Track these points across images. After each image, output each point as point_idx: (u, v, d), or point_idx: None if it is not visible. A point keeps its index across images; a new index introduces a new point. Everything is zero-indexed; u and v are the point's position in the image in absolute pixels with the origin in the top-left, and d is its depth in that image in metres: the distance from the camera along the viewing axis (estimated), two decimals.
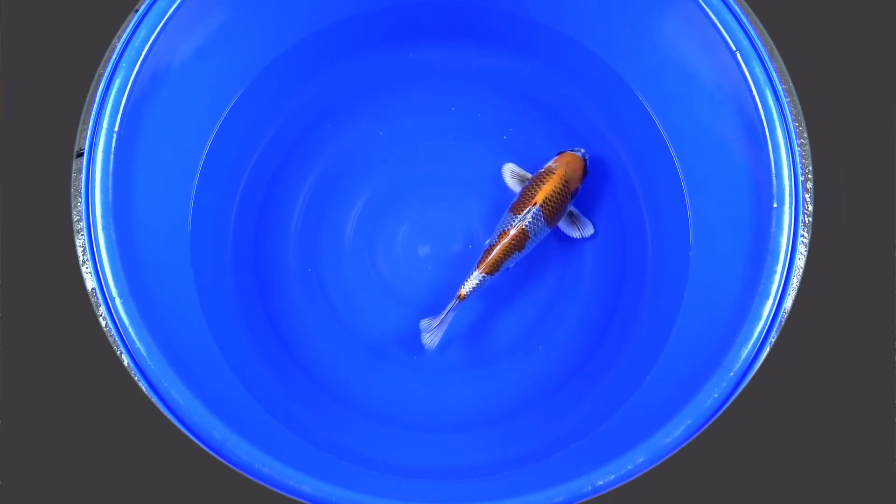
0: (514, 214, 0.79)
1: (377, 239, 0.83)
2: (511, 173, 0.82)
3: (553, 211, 0.79)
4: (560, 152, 0.81)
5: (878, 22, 0.84)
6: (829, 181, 0.79)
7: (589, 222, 0.82)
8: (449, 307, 0.78)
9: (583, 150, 0.81)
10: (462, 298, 0.78)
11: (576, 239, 0.82)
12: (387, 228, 0.83)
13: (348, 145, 0.84)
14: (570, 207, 0.81)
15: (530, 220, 0.78)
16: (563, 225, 0.81)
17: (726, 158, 0.75)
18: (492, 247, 0.78)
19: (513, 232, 0.78)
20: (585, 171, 0.81)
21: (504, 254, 0.78)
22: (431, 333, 0.78)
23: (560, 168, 0.79)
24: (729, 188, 0.75)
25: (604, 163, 0.83)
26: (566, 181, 0.79)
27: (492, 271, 0.78)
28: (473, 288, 0.78)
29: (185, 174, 0.80)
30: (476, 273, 0.78)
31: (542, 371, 0.81)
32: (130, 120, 0.72)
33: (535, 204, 0.78)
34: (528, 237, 0.78)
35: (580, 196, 0.81)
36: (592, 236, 0.82)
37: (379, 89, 0.85)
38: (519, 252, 0.78)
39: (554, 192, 0.79)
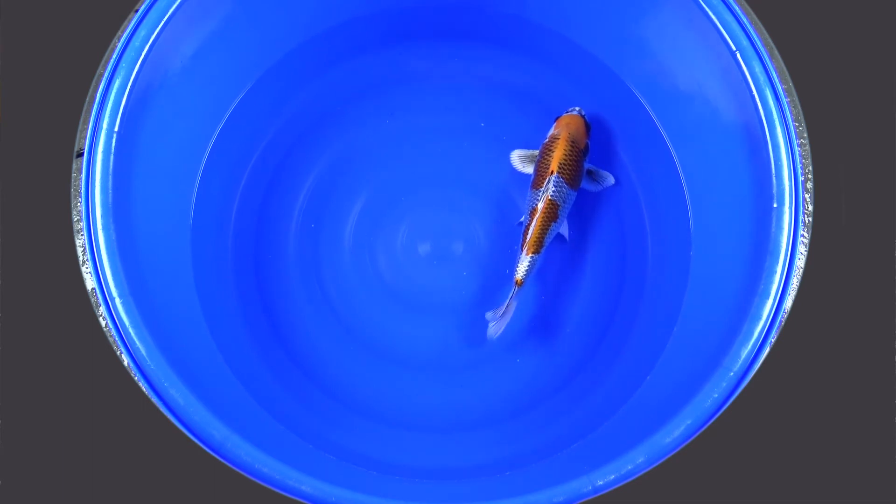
0: (537, 189, 0.79)
1: (377, 239, 0.83)
2: (520, 158, 0.82)
3: (571, 174, 0.79)
4: (557, 118, 0.82)
5: (878, 22, 0.84)
6: (829, 181, 0.79)
7: (607, 173, 0.82)
8: (510, 296, 0.78)
9: (578, 108, 0.82)
10: (520, 284, 0.78)
11: (576, 239, 0.82)
12: (387, 228, 0.83)
13: (348, 146, 0.84)
14: (587, 165, 0.81)
15: (553, 188, 0.78)
16: (585, 184, 0.82)
17: (726, 158, 0.75)
18: (527, 226, 0.79)
19: (541, 206, 0.78)
20: (588, 127, 0.81)
21: (542, 229, 0.78)
22: (496, 323, 0.78)
23: (563, 131, 0.80)
24: (729, 188, 0.75)
25: (604, 162, 0.83)
26: (573, 141, 0.79)
27: (537, 249, 0.78)
28: (526, 270, 0.78)
29: (185, 174, 0.80)
30: (524, 255, 0.78)
31: (542, 371, 0.81)
32: (130, 120, 0.72)
33: (552, 173, 0.79)
34: (559, 205, 0.79)
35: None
36: (595, 238, 0.82)
37: (379, 90, 0.85)
38: (555, 223, 0.79)
39: (565, 155, 0.79)
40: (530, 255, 0.78)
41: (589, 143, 0.81)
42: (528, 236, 0.78)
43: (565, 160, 0.79)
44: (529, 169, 0.82)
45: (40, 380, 0.79)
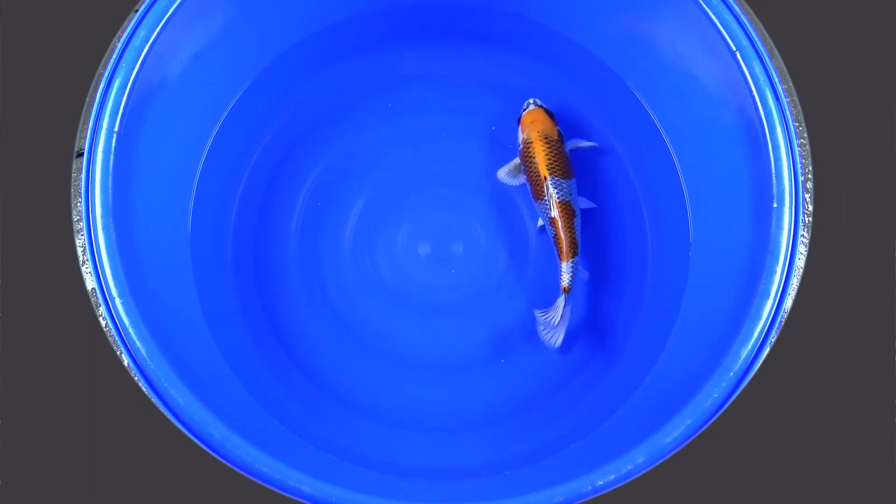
0: (541, 200, 0.79)
1: (377, 239, 0.83)
2: (506, 173, 0.82)
3: (562, 169, 0.79)
4: (518, 119, 0.81)
5: (878, 22, 0.84)
6: (829, 181, 0.79)
7: (584, 142, 0.82)
8: (560, 304, 0.78)
9: (532, 101, 0.81)
10: (568, 291, 0.78)
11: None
12: (387, 228, 0.83)
13: (348, 145, 0.84)
14: (568, 146, 0.81)
15: (556, 191, 0.78)
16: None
17: (726, 158, 0.75)
18: (556, 236, 0.78)
19: (556, 213, 0.78)
20: (552, 114, 0.81)
21: (570, 232, 0.78)
22: (551, 332, 0.78)
23: (532, 133, 0.80)
24: (729, 188, 0.75)
25: (604, 162, 0.83)
26: (546, 137, 0.79)
27: (575, 252, 0.78)
28: (571, 277, 0.78)
29: (185, 174, 0.80)
30: (564, 265, 0.78)
31: (542, 371, 0.80)
32: (130, 120, 0.72)
33: (545, 178, 0.78)
34: (569, 201, 0.78)
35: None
36: (595, 238, 0.82)
37: (379, 90, 0.85)
38: (576, 217, 0.79)
39: (548, 155, 0.79)
40: (570, 260, 0.78)
41: (559, 128, 0.81)
42: (563, 245, 0.78)
43: (550, 160, 0.79)
44: (521, 179, 0.82)
45: (40, 380, 0.79)
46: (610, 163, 0.83)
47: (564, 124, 0.83)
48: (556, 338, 0.78)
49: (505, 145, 0.84)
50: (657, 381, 0.76)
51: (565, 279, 0.78)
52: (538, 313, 0.79)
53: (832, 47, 0.84)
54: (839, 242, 0.81)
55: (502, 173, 0.82)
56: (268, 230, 0.83)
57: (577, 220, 0.79)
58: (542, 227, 0.81)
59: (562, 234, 0.78)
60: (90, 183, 0.70)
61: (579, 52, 0.83)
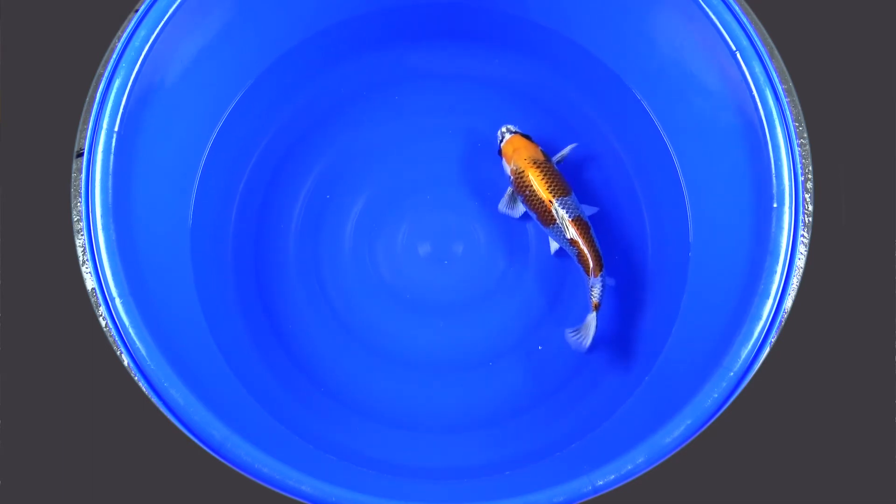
0: (552, 225, 0.78)
1: (377, 239, 0.83)
2: (505, 205, 0.82)
3: (562, 188, 0.78)
4: (499, 152, 0.81)
5: (878, 22, 0.84)
6: (829, 181, 0.79)
7: (565, 148, 0.81)
8: (591, 321, 0.77)
9: (506, 129, 0.80)
10: (598, 308, 0.77)
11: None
12: (387, 228, 0.83)
13: (348, 145, 0.84)
14: (555, 162, 0.80)
15: (564, 210, 0.78)
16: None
17: (726, 158, 0.75)
18: (580, 254, 0.78)
19: (574, 232, 0.77)
20: (529, 137, 0.80)
21: (593, 247, 0.77)
22: (578, 340, 0.77)
23: (521, 160, 0.79)
24: (729, 188, 0.75)
25: (604, 163, 0.83)
26: (535, 161, 0.79)
27: (601, 266, 0.77)
28: (601, 291, 0.77)
29: (185, 174, 0.80)
30: (593, 279, 0.77)
31: (542, 371, 0.81)
32: (130, 120, 0.72)
33: (551, 202, 0.78)
34: (579, 215, 0.78)
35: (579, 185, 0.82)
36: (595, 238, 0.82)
37: (379, 90, 0.85)
38: (591, 229, 0.78)
39: (545, 179, 0.78)
40: (599, 276, 0.77)
41: (541, 148, 0.80)
42: (590, 262, 0.77)
43: (550, 183, 0.78)
44: (521, 208, 0.81)
45: (40, 380, 0.79)
46: (610, 163, 0.83)
47: (564, 125, 0.83)
48: (584, 344, 0.77)
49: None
50: (657, 381, 0.76)
51: (595, 294, 0.77)
52: (569, 332, 0.78)
53: (832, 47, 0.85)
54: (839, 242, 0.81)
55: (502, 206, 0.82)
56: (268, 230, 0.83)
57: (593, 232, 0.78)
58: (559, 251, 0.80)
59: (586, 252, 0.77)
60: (90, 183, 0.70)
61: (579, 52, 0.83)
